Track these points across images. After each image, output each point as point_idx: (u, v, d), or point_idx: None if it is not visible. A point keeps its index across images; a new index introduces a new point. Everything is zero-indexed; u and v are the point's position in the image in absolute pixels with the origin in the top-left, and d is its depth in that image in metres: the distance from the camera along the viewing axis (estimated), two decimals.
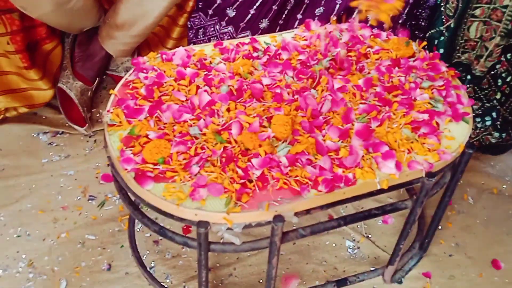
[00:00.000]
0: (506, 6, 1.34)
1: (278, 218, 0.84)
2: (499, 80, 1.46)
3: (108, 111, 0.98)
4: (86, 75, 1.58)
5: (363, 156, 0.91)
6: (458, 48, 1.50)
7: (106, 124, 0.96)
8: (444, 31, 1.54)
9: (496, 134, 1.55)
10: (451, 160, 0.96)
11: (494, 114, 1.51)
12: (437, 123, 1.00)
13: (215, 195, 0.83)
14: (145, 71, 1.05)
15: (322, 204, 0.88)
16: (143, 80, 1.03)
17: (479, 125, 1.54)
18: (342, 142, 0.93)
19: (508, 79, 1.45)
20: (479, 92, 1.52)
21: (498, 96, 1.48)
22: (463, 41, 1.51)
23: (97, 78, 1.61)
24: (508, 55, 1.42)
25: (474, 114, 1.55)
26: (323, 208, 0.89)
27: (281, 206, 0.84)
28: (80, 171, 1.46)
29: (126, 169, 0.87)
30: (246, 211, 0.83)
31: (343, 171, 0.89)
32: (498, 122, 1.52)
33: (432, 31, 1.59)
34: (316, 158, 0.90)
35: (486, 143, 1.58)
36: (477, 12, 1.40)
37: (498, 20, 1.37)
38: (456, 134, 0.99)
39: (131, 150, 0.90)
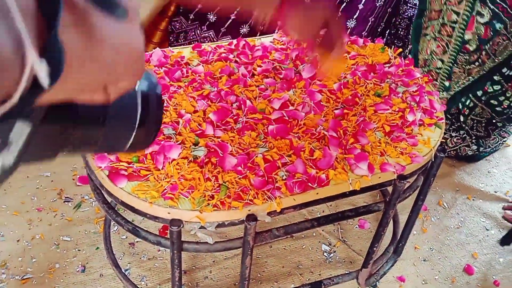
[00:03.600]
0: (455, 22, 1.40)
1: (251, 217, 0.84)
2: (459, 104, 1.51)
3: None
4: None
5: (336, 158, 0.93)
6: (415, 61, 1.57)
7: None
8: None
9: (474, 147, 1.58)
10: (423, 163, 0.98)
11: (463, 132, 1.56)
12: (410, 127, 1.01)
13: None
14: None
15: (295, 204, 0.89)
16: None
17: (453, 134, 1.57)
18: (317, 144, 0.95)
19: (467, 103, 1.50)
20: (449, 117, 1.56)
21: (462, 119, 1.53)
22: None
23: None
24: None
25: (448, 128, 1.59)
26: (296, 208, 0.90)
27: (255, 205, 0.84)
28: (57, 172, 1.45)
29: (100, 167, 0.87)
30: (219, 210, 0.83)
31: (317, 172, 0.90)
32: (473, 137, 1.55)
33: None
34: (291, 161, 0.91)
35: (463, 154, 1.61)
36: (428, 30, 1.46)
37: (449, 36, 1.43)
38: (428, 138, 1.01)
39: None
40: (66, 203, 1.37)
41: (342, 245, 1.35)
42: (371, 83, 1.11)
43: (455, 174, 1.62)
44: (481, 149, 1.60)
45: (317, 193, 0.90)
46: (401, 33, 1.85)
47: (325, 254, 1.33)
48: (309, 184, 0.88)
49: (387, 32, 1.73)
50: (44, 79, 0.26)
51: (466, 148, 1.60)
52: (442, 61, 1.47)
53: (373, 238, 1.08)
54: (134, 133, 0.43)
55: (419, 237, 1.41)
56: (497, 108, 1.47)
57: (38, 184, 1.41)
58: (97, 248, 1.27)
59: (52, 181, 1.43)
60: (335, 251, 1.34)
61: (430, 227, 1.44)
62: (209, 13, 1.55)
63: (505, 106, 1.45)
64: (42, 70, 0.25)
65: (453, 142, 1.59)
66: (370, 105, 1.04)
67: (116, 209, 0.95)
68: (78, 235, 1.30)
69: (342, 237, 1.38)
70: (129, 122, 0.42)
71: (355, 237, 1.38)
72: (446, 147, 1.59)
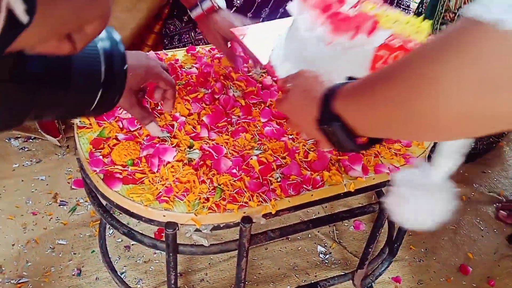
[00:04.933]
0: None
1: (246, 219, 0.84)
2: None
3: None
4: None
5: (331, 159, 0.93)
6: (437, 18, 1.52)
7: (76, 126, 0.95)
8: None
9: None
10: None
11: None
12: None
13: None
14: None
15: (290, 206, 0.89)
16: None
17: None
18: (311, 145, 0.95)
19: None
20: None
21: None
22: (443, 10, 1.53)
23: None
24: None
25: None
26: (291, 210, 0.90)
27: (250, 207, 0.84)
28: (52, 176, 1.45)
29: (95, 171, 0.87)
30: (214, 212, 0.83)
31: (311, 174, 0.90)
32: None
33: None
34: (285, 163, 0.92)
35: None
36: None
37: None
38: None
39: (100, 152, 0.90)
40: (61, 206, 1.37)
41: (338, 247, 1.36)
42: None
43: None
44: (473, 146, 1.60)
45: (312, 195, 0.90)
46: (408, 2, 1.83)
47: (320, 255, 1.33)
48: (304, 186, 0.89)
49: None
50: (22, 15, 0.27)
51: None
52: None
53: (368, 239, 1.09)
54: (99, 93, 0.42)
55: (414, 238, 1.41)
56: None
57: (33, 188, 1.41)
58: (93, 251, 1.27)
59: (47, 184, 1.42)
60: (330, 253, 1.34)
61: None
62: None
63: None
64: (18, 7, 0.26)
65: None
66: None
67: (111, 212, 0.95)
68: (73, 239, 1.29)
69: (337, 239, 1.38)
70: (93, 80, 0.42)
71: (350, 238, 1.39)
72: None
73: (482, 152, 1.67)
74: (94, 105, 0.43)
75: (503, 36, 0.36)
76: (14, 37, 0.28)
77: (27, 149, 1.52)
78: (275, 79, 0.83)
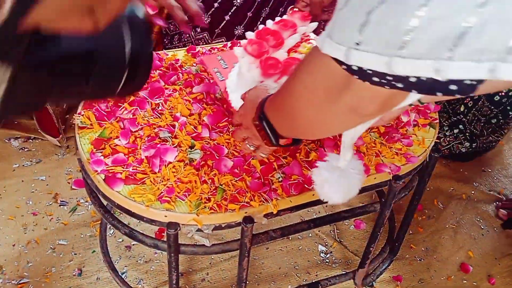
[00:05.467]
0: None
1: (248, 219, 0.84)
2: None
3: (79, 113, 0.97)
4: None
5: None
6: None
7: (77, 126, 0.95)
8: None
9: (467, 144, 1.59)
10: (418, 163, 0.98)
11: (461, 126, 1.55)
12: (404, 127, 1.02)
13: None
14: None
15: (292, 205, 0.89)
16: None
17: (447, 133, 1.58)
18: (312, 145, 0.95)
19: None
20: (447, 106, 1.56)
21: (462, 109, 1.53)
22: None
23: None
24: None
25: (444, 124, 1.60)
26: (293, 210, 0.90)
27: (251, 207, 0.84)
28: (52, 176, 1.45)
29: (96, 171, 0.87)
30: (216, 212, 0.83)
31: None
32: (467, 133, 1.56)
33: None
34: (287, 162, 0.92)
35: (456, 152, 1.62)
36: None
37: None
38: (423, 138, 1.01)
39: (101, 152, 0.90)
40: (61, 206, 1.37)
41: (339, 246, 1.36)
42: None
43: (449, 173, 1.63)
44: (473, 145, 1.60)
45: (313, 195, 0.90)
46: None
47: (321, 254, 1.33)
48: (305, 185, 0.89)
49: None
50: None
51: (459, 145, 1.60)
52: None
53: (369, 238, 1.09)
54: (125, 72, 0.39)
55: (415, 236, 1.41)
56: (495, 98, 1.48)
57: (33, 188, 1.41)
58: (94, 251, 1.27)
59: (47, 185, 1.42)
60: (331, 252, 1.34)
61: (426, 226, 1.44)
62: (203, 15, 1.55)
63: (503, 94, 1.46)
64: None
65: (446, 141, 1.60)
66: None
67: (112, 212, 0.95)
68: (74, 239, 1.29)
69: (338, 238, 1.38)
70: (119, 59, 0.38)
71: (351, 237, 1.39)
72: (439, 146, 1.60)
73: (482, 151, 1.67)
74: (120, 86, 0.40)
75: (322, 55, 0.47)
76: (29, 4, 0.25)
77: (27, 149, 1.52)
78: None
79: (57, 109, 1.53)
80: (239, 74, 0.94)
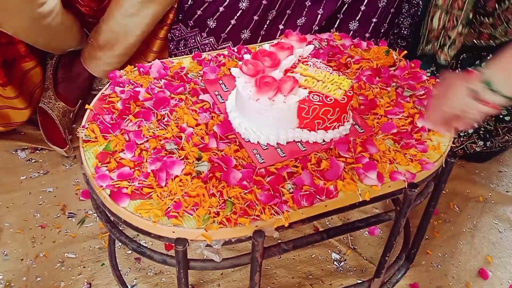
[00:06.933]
0: None
1: (259, 233, 0.81)
2: None
3: (83, 126, 0.95)
4: (69, 96, 1.54)
5: (344, 167, 0.90)
6: (422, 39, 1.54)
7: (81, 140, 0.93)
8: None
9: (481, 143, 1.54)
10: (434, 169, 0.95)
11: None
12: (419, 132, 0.99)
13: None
14: (121, 85, 1.03)
15: (303, 217, 0.86)
16: (119, 94, 1.01)
17: (461, 134, 1.54)
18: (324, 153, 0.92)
19: None
20: None
21: None
22: (426, 32, 1.53)
23: (80, 100, 1.58)
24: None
25: None
26: (305, 221, 0.87)
27: (262, 221, 0.81)
28: (60, 187, 1.43)
29: (101, 186, 0.85)
30: (225, 227, 0.80)
31: (324, 184, 0.87)
32: (481, 132, 1.52)
33: None
34: (297, 171, 0.89)
35: (471, 152, 1.57)
36: (440, 1, 1.42)
37: (459, 9, 1.38)
38: (438, 143, 0.98)
39: (106, 166, 0.88)
40: (69, 218, 1.35)
41: (353, 253, 1.32)
42: (377, 88, 1.08)
43: (465, 175, 1.59)
44: (487, 143, 1.56)
45: (326, 206, 0.87)
46: (405, 32, 1.82)
47: (335, 263, 1.30)
48: (317, 196, 0.86)
49: (390, 32, 1.70)
50: None
51: (473, 145, 1.56)
52: (449, 37, 1.43)
53: (384, 247, 1.05)
54: None
55: (431, 241, 1.37)
56: None
57: (41, 200, 1.39)
58: (103, 264, 1.25)
59: (55, 196, 1.40)
60: (345, 260, 1.31)
61: (442, 231, 1.41)
62: (208, 20, 1.53)
63: None
64: None
65: (459, 141, 1.56)
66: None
67: (119, 226, 0.93)
68: (82, 252, 1.27)
69: (352, 245, 1.35)
70: None
71: (365, 244, 1.35)
72: (452, 145, 1.56)
73: (498, 150, 1.63)
74: None
75: None
76: None
77: (34, 160, 1.50)
78: None
79: (64, 119, 1.51)
80: (237, 93, 0.94)
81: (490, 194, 1.53)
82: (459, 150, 1.57)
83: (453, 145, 1.00)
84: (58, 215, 1.36)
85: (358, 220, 0.99)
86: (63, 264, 1.24)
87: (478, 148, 1.56)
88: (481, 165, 1.63)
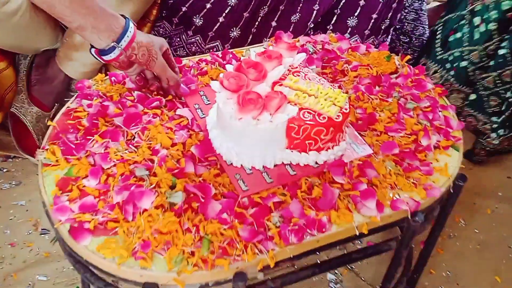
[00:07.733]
0: None
1: (240, 276, 0.71)
2: None
3: (43, 147, 0.84)
4: (43, 100, 1.42)
5: (339, 195, 0.79)
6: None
7: (40, 163, 0.82)
8: (466, 15, 1.51)
9: (494, 135, 1.47)
10: (440, 196, 0.84)
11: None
12: (423, 152, 0.87)
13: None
14: (89, 97, 0.92)
15: (292, 255, 0.75)
16: (87, 108, 0.90)
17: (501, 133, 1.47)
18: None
19: None
20: (500, 85, 1.44)
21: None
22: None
23: (56, 104, 1.46)
24: None
25: (491, 111, 1.49)
26: (294, 259, 0.76)
27: (243, 262, 0.71)
28: (33, 200, 1.32)
29: (60, 221, 0.74)
30: (201, 269, 0.70)
31: (316, 214, 0.76)
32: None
33: (451, 15, 1.57)
34: (285, 201, 0.78)
35: (491, 148, 1.49)
36: None
37: None
38: (445, 165, 0.87)
39: (67, 195, 0.77)
40: (42, 235, 1.25)
41: (350, 273, 1.22)
42: (376, 99, 0.96)
43: (471, 181, 1.46)
44: (500, 132, 1.48)
45: (318, 241, 0.76)
46: (408, 27, 1.70)
47: (331, 284, 1.20)
48: (308, 230, 0.75)
49: (391, 29, 1.58)
50: None
51: (489, 139, 1.49)
52: None
53: (383, 277, 0.95)
54: None
55: (435, 259, 1.27)
56: None
57: (12, 215, 1.28)
58: (77, 287, 1.15)
59: (27, 210, 1.30)
60: (341, 281, 1.21)
61: (446, 247, 1.30)
62: (194, 17, 1.40)
63: None
64: None
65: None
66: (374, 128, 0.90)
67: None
68: (55, 273, 1.17)
69: (349, 264, 1.24)
70: None
71: (363, 263, 1.25)
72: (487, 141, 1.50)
73: (503, 151, 1.54)
74: None
75: None
76: None
77: (5, 169, 1.39)
78: None
79: (38, 125, 1.40)
80: (218, 109, 0.82)
81: (496, 206, 1.42)
82: (480, 150, 1.50)
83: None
84: (30, 231, 1.25)
85: (355, 251, 0.88)
86: (33, 287, 1.14)
87: (496, 141, 1.47)
88: (488, 170, 1.53)
